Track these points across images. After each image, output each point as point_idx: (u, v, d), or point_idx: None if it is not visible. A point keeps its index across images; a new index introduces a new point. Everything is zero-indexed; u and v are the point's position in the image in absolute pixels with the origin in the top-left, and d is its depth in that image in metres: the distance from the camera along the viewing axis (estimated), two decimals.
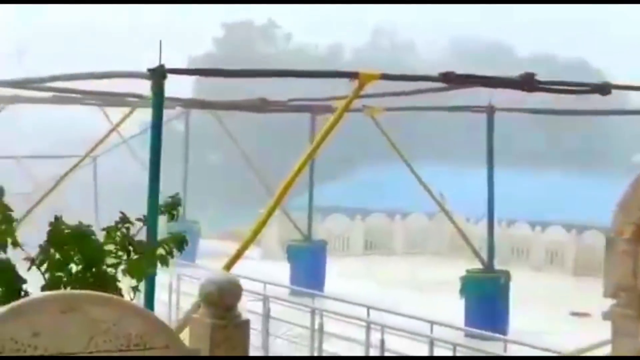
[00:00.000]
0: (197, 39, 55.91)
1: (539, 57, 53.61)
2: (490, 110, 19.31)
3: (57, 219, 5.61)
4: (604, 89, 14.25)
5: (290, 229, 24.88)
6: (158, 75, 10.99)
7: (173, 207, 6.21)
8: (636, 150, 45.44)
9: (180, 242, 6.03)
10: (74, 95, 20.43)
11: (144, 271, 5.79)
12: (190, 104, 21.31)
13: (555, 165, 39.56)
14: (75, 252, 5.56)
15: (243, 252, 11.07)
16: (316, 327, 15.41)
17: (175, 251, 6.01)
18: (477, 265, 20.33)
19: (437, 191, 31.18)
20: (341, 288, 21.74)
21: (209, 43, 56.75)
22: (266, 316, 16.44)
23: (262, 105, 18.29)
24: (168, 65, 10.85)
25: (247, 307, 16.97)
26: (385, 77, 12.71)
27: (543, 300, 22.99)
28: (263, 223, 11.61)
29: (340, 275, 25.28)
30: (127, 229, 5.87)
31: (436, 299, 22.28)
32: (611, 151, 44.77)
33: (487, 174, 19.72)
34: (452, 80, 13.27)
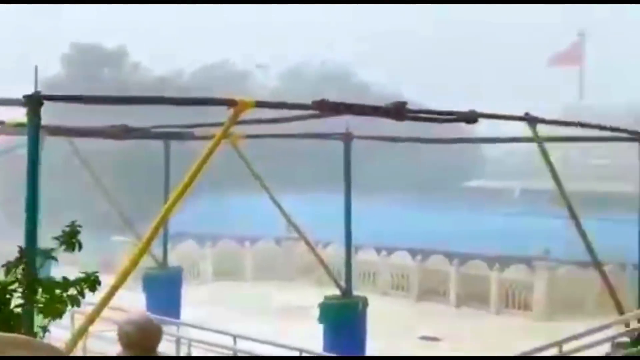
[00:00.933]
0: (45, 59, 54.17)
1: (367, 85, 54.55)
2: (347, 138, 19.23)
3: None
4: (471, 117, 14.30)
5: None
6: (34, 102, 10.19)
7: (71, 237, 5.77)
8: (471, 176, 46.75)
9: (93, 282, 5.56)
10: None
11: (57, 311, 5.28)
12: (45, 130, 20.15)
13: (399, 191, 40.12)
14: None
15: (121, 284, 10.42)
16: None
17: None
18: (327, 290, 20.22)
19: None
20: (195, 316, 21.15)
21: (57, 64, 54.54)
22: None
23: (122, 133, 17.51)
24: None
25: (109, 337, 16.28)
26: (261, 104, 12.34)
27: (393, 325, 23.09)
28: (143, 251, 11.00)
29: (192, 302, 24.52)
30: (27, 264, 5.39)
31: (292, 325, 22.05)
32: (447, 177, 45.74)
33: (344, 200, 19.52)
34: (325, 108, 13.00)
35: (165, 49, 61.51)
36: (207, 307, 24.75)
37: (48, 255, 5.78)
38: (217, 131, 18.91)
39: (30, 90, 10.05)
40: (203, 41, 68.22)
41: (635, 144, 17.22)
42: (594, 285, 27.43)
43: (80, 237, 7.27)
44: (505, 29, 75.99)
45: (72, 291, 5.46)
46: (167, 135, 20.70)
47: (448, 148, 37.31)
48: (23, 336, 4.52)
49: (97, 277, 5.52)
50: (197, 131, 19.15)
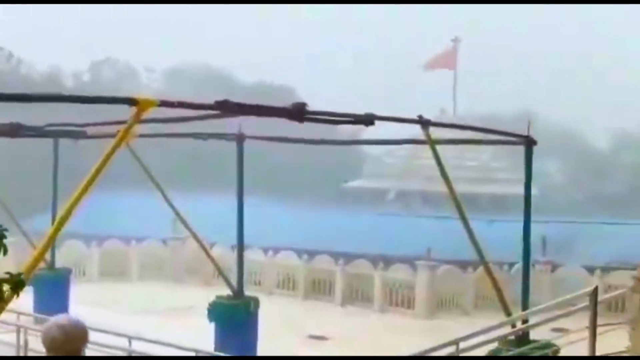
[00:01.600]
0: None
1: (256, 85, 54.54)
2: (240, 138, 19.04)
3: None
4: (368, 120, 14.31)
5: (27, 255, 23.17)
6: None
7: None
8: (347, 176, 47.11)
9: (17, 284, 5.17)
10: None
11: None
12: None
13: (283, 191, 40.11)
14: None
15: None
16: None
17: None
18: (214, 290, 20.00)
19: (171, 218, 30.74)
20: (83, 316, 20.45)
21: None
22: (24, 347, 15.12)
23: (14, 130, 16.82)
24: None
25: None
26: (164, 104, 12.02)
27: (281, 324, 22.95)
28: (42, 253, 10.56)
29: (79, 303, 23.78)
30: None
31: (181, 325, 21.69)
32: (329, 178, 46.03)
33: (237, 200, 19.34)
34: (227, 108, 12.79)
35: (47, 46, 59.56)
36: (93, 307, 23.91)
37: None
38: (111, 130, 18.53)
39: None
40: (86, 40, 66.53)
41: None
42: (471, 284, 28.21)
43: None
44: (383, 36, 77.33)
45: None
46: (59, 134, 20.04)
47: (330, 149, 37.61)
48: None
49: (22, 278, 5.12)
50: (90, 130, 18.60)
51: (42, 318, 18.35)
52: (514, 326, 14.85)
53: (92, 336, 15.71)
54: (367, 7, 78.63)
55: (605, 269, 29.02)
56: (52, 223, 22.06)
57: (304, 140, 20.09)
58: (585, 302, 10.48)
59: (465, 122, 25.63)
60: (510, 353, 15.18)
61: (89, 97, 13.22)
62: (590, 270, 29.13)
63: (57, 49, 60.04)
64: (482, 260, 17.38)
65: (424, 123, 16.03)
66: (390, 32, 79.32)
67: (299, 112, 13.55)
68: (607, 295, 14.10)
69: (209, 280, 30.91)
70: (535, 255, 25.57)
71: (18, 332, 15.59)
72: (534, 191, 43.58)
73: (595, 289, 10.64)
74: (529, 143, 16.92)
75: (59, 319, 5.21)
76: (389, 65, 73.47)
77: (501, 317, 23.40)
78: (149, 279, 31.60)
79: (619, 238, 32.61)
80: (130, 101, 11.65)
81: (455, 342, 12.96)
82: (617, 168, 68.13)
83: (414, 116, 16.14)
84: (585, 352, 10.00)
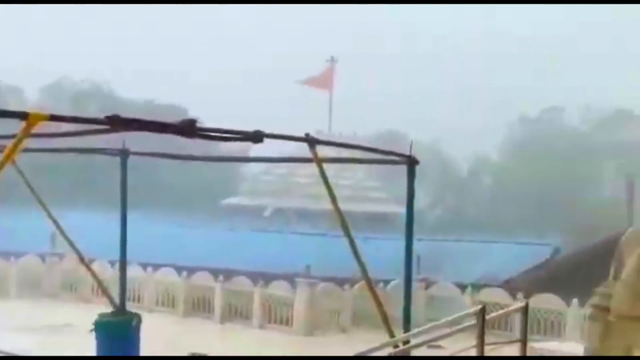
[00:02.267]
0: None
1: (138, 102, 53.73)
2: (124, 154, 18.61)
3: None
4: (256, 137, 14.16)
5: None
6: None
7: None
8: (224, 194, 46.77)
9: None
10: None
11: None
12: None
13: (161, 208, 39.51)
14: None
15: None
16: None
17: None
18: (92, 307, 19.45)
19: (50, 233, 29.80)
20: None
21: None
22: None
23: None
24: None
25: None
26: (54, 118, 11.59)
27: (161, 342, 22.44)
28: None
29: None
30: None
31: (61, 343, 20.99)
32: (207, 194, 45.65)
33: (120, 216, 18.87)
34: (117, 123, 12.43)
35: None
36: None
37: None
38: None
39: None
40: None
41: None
42: (349, 301, 28.28)
43: None
44: (259, 56, 77.44)
45: None
46: None
47: (208, 167, 37.29)
48: None
49: None
50: None
51: None
52: (399, 344, 14.90)
53: None
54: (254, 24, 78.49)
55: (475, 286, 29.56)
56: None
57: (189, 157, 19.82)
58: (470, 321, 10.53)
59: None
60: None
61: None
62: (462, 287, 29.61)
63: None
64: (366, 278, 17.35)
65: (311, 141, 15.99)
66: (270, 48, 79.58)
67: (189, 129, 13.29)
68: (495, 314, 14.28)
69: (87, 297, 30.16)
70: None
71: None
72: (405, 210, 44.28)
73: (483, 308, 10.69)
74: (411, 162, 17.03)
75: None
76: (270, 82, 73.64)
77: (379, 335, 23.68)
78: (27, 296, 30.37)
79: (485, 256, 33.36)
80: (21, 115, 11.23)
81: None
82: (476, 189, 69.96)
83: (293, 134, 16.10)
84: None
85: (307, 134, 16.53)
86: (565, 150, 64.04)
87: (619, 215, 47.28)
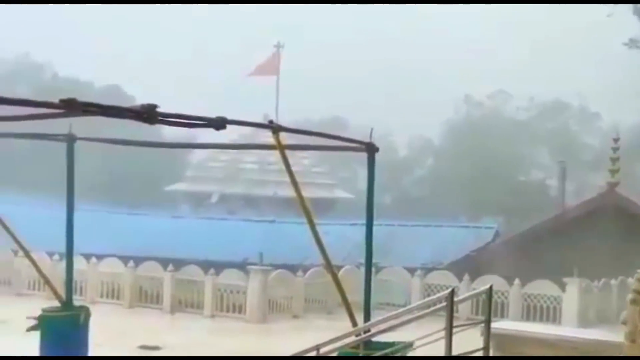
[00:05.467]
0: None
1: (76, 83, 52.13)
2: (70, 139, 17.51)
3: None
4: (219, 123, 13.27)
5: None
6: None
7: None
8: (169, 180, 45.68)
9: None
10: None
11: None
12: None
13: (104, 195, 38.20)
14: None
15: None
16: None
17: None
18: (26, 301, 18.32)
19: None
20: None
21: None
22: None
23: None
24: None
25: None
26: (3, 101, 10.55)
27: (109, 335, 21.36)
28: None
29: None
30: None
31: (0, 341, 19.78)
32: (150, 181, 44.52)
33: (67, 204, 17.75)
34: (74, 107, 11.40)
35: None
36: None
37: None
38: None
39: None
40: None
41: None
42: (302, 288, 27.87)
43: None
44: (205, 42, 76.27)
45: None
46: None
47: (151, 152, 36.12)
48: None
49: None
50: None
51: None
52: (366, 331, 14.29)
53: None
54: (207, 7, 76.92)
55: (423, 270, 29.58)
56: None
57: (142, 143, 18.83)
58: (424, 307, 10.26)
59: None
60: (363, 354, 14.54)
61: None
62: (411, 271, 29.57)
63: None
64: (329, 265, 16.68)
65: (275, 128, 15.34)
66: (219, 34, 78.21)
67: (150, 114, 12.32)
68: (462, 297, 13.96)
69: (22, 290, 28.96)
70: (359, 258, 25.57)
71: None
72: (352, 195, 43.81)
73: (452, 291, 10.38)
74: (370, 149, 16.53)
75: None
76: (215, 70, 72.36)
77: (330, 321, 23.09)
78: None
79: (430, 239, 33.22)
80: None
81: (317, 348, 12.37)
82: (418, 173, 70.11)
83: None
84: (441, 352, 9.77)
85: (270, 121, 15.87)
86: (504, 135, 64.71)
87: (551, 197, 48.14)
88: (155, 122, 12.62)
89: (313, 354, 12.26)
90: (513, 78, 67.83)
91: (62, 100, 11.31)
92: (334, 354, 13.14)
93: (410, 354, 11.67)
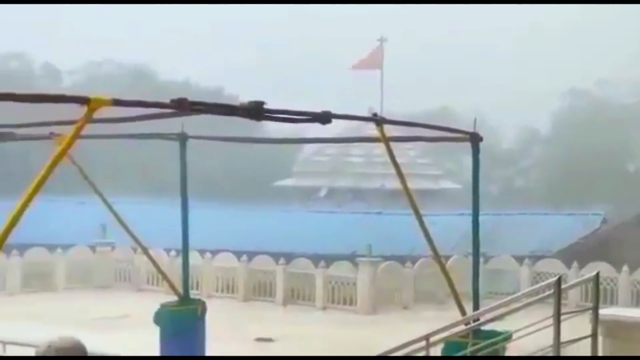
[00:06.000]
0: None
1: (178, 84, 53.12)
2: (182, 138, 17.86)
3: None
4: (324, 118, 13.34)
5: None
6: None
7: None
8: (277, 176, 46.17)
9: None
10: None
11: None
12: None
13: (215, 192, 38.86)
14: None
15: None
16: None
17: None
18: (146, 297, 18.76)
19: (99, 223, 29.19)
20: (8, 331, 18.15)
21: None
22: None
23: None
24: None
25: None
26: (117, 102, 10.84)
27: (225, 328, 21.75)
28: None
29: (2, 317, 21.20)
30: None
31: (120, 335, 20.30)
32: (258, 178, 45.10)
33: (181, 204, 18.15)
34: (184, 107, 11.65)
35: None
36: (17, 322, 21.09)
37: None
38: (41, 131, 17.13)
39: None
40: None
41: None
42: (411, 279, 27.85)
43: None
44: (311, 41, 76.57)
45: None
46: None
47: (259, 149, 36.57)
48: None
49: None
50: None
51: None
52: (474, 320, 14.18)
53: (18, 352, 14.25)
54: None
55: (531, 258, 29.30)
56: None
57: (251, 140, 19.13)
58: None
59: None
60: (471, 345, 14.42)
61: (36, 95, 11.90)
62: (519, 259, 29.31)
63: None
64: (436, 255, 16.63)
65: (379, 121, 15.40)
66: (314, 32, 78.41)
67: (257, 111, 12.51)
68: (569, 284, 13.74)
69: (142, 286, 29.67)
70: (467, 248, 25.45)
71: None
72: (458, 186, 43.40)
73: (559, 279, 10.24)
74: (474, 139, 16.39)
75: (55, 341, 4.57)
76: (313, 66, 72.68)
77: (440, 312, 22.95)
78: (76, 288, 29.67)
79: (537, 228, 32.81)
80: (82, 100, 10.53)
81: (426, 337, 12.34)
82: (524, 163, 69.18)
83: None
84: (549, 340, 9.61)
85: (374, 114, 15.99)
86: (610, 124, 63.31)
87: None
88: (262, 119, 12.83)
89: (422, 344, 12.25)
90: (618, 65, 66.07)
91: (172, 101, 11.61)
92: (442, 345, 13.11)
93: (515, 342, 11.56)
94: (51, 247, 30.94)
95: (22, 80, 50.42)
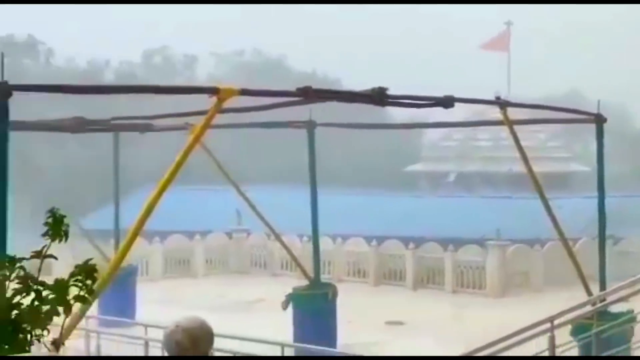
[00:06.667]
0: None
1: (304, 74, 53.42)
2: (310, 126, 18.10)
3: None
4: (447, 102, 13.34)
5: (86, 252, 21.83)
6: (2, 93, 8.81)
7: (58, 226, 4.02)
8: (405, 162, 45.97)
9: (90, 273, 4.01)
10: None
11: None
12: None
13: (344, 179, 39.05)
14: None
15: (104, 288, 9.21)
16: None
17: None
18: (281, 282, 19.07)
19: (235, 210, 29.76)
20: (151, 315, 18.82)
21: None
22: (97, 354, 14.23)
23: (78, 125, 15.98)
24: None
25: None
26: (245, 92, 11.16)
27: (356, 312, 21.88)
28: (127, 247, 9.87)
29: (144, 301, 21.91)
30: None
31: (254, 319, 20.69)
32: (387, 163, 45.00)
33: (310, 190, 18.42)
34: (309, 95, 11.87)
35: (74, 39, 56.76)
36: (162, 306, 21.17)
37: (46, 256, 4.09)
38: (177, 122, 17.67)
39: None
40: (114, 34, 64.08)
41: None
42: (540, 262, 27.32)
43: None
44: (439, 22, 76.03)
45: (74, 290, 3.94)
46: (124, 128, 19.08)
47: (382, 136, 36.56)
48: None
49: (94, 265, 3.98)
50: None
51: (110, 320, 17.51)
52: (601, 300, 13.90)
53: (158, 335, 14.76)
54: None
55: None
56: (115, 221, 21.36)
57: (378, 126, 19.19)
58: None
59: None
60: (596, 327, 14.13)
61: (168, 87, 12.39)
62: None
63: (90, 40, 57.37)
64: (562, 239, 16.40)
65: (502, 104, 15.33)
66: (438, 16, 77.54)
67: (380, 97, 12.63)
68: None
69: (276, 271, 30.11)
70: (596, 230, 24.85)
71: (87, 336, 14.59)
72: (587, 168, 42.14)
73: None
74: (599, 120, 16.09)
75: (182, 321, 4.62)
76: (435, 48, 71.91)
77: (571, 293, 22.42)
78: (214, 274, 30.45)
79: None
80: (211, 90, 10.86)
81: (550, 320, 12.17)
82: None
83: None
84: None
85: (497, 97, 15.96)
86: None
87: None
88: (386, 105, 12.95)
89: (547, 325, 12.09)
90: None
91: (298, 89, 11.85)
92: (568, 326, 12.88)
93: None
94: (190, 234, 31.48)
95: (165, 75, 51.65)
